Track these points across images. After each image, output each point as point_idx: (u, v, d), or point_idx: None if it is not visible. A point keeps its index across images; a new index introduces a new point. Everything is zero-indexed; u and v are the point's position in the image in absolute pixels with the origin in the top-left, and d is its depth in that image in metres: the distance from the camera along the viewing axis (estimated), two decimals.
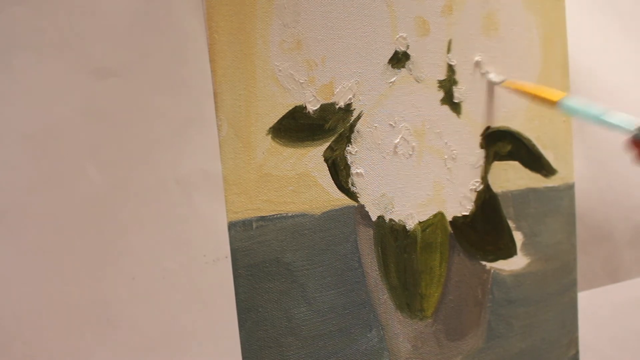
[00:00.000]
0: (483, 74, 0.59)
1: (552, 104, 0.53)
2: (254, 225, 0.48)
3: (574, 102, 0.52)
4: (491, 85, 0.60)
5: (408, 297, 0.56)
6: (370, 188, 0.53)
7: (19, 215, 0.39)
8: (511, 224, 0.64)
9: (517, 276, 0.64)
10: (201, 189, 0.45)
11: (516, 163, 0.64)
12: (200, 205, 0.45)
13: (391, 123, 0.54)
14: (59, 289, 0.40)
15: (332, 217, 0.51)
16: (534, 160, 0.65)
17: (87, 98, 0.41)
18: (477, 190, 0.61)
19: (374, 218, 0.54)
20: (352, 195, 0.52)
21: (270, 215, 0.48)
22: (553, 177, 0.67)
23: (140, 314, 0.42)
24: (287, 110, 0.49)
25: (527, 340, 0.66)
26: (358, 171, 0.53)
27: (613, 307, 0.75)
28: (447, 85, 0.58)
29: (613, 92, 0.73)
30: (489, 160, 0.61)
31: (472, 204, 0.60)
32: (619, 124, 0.48)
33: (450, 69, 0.58)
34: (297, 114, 0.49)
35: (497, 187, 0.62)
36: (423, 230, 0.57)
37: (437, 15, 0.57)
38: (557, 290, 0.68)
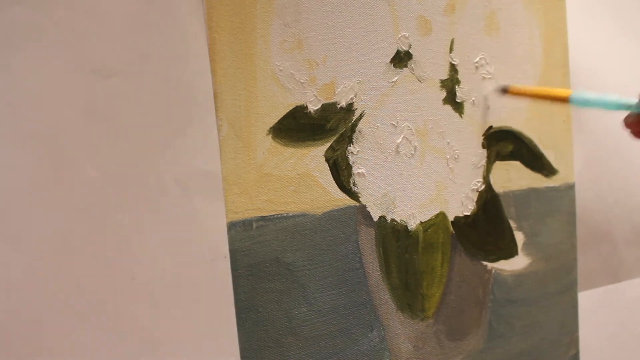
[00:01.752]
0: (486, 82, 0.60)
1: (564, 99, 0.54)
2: (254, 225, 0.47)
3: (584, 94, 0.53)
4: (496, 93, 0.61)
5: (409, 298, 0.56)
6: (372, 188, 0.53)
7: (19, 215, 0.39)
8: (512, 224, 0.64)
9: (518, 276, 0.65)
10: (201, 189, 0.45)
11: (518, 163, 0.64)
12: (200, 205, 0.45)
13: (393, 123, 0.54)
14: (59, 289, 0.40)
15: (334, 217, 0.51)
16: (535, 160, 0.65)
17: (87, 98, 0.40)
18: (479, 190, 0.61)
19: (375, 218, 0.54)
20: (353, 195, 0.52)
21: (270, 215, 0.48)
22: (554, 177, 0.67)
23: (140, 313, 0.42)
24: (288, 110, 0.49)
25: (527, 340, 0.66)
26: (360, 171, 0.53)
27: (613, 307, 0.75)
28: (450, 84, 0.58)
29: (613, 92, 0.73)
30: (490, 160, 0.61)
31: (474, 204, 0.60)
32: (628, 102, 0.49)
33: (453, 68, 0.58)
34: (298, 113, 0.49)
35: (498, 187, 0.62)
36: (425, 231, 0.57)
37: (440, 15, 0.57)
38: (557, 290, 0.68)
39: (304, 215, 0.50)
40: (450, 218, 0.59)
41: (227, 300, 0.46)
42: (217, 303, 0.46)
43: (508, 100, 0.62)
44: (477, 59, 0.60)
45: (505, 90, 0.60)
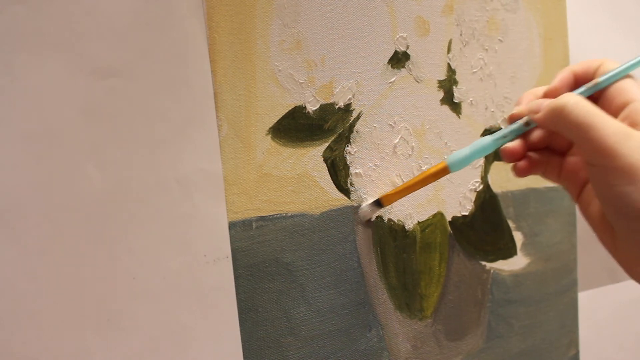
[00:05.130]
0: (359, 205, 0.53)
1: (444, 171, 0.48)
2: (254, 225, 0.48)
3: (458, 153, 0.47)
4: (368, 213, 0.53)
5: (407, 297, 0.56)
6: (369, 188, 0.53)
7: (19, 215, 0.39)
8: (511, 224, 0.64)
9: (517, 276, 0.64)
10: (202, 189, 0.45)
11: None
12: (200, 205, 0.45)
13: (390, 123, 0.54)
14: (59, 289, 0.40)
15: (331, 217, 0.51)
16: None
17: (87, 98, 0.41)
18: (477, 190, 0.61)
19: (372, 218, 0.54)
20: (350, 195, 0.52)
21: (270, 215, 0.48)
22: None
23: (141, 313, 0.42)
24: (287, 111, 0.49)
25: (527, 340, 0.66)
26: (357, 171, 0.53)
27: (613, 307, 0.75)
28: (447, 85, 0.58)
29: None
30: (489, 161, 0.61)
31: (472, 204, 0.60)
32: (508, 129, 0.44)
33: (450, 69, 0.58)
34: (296, 114, 0.49)
35: (497, 187, 0.62)
36: (422, 230, 0.57)
37: (438, 15, 0.57)
38: (557, 290, 0.68)
39: (302, 215, 0.50)
40: (448, 218, 0.59)
41: (229, 300, 0.46)
42: (220, 304, 0.46)
43: (508, 100, 0.62)
44: (476, 60, 0.60)
45: (379, 203, 0.52)
